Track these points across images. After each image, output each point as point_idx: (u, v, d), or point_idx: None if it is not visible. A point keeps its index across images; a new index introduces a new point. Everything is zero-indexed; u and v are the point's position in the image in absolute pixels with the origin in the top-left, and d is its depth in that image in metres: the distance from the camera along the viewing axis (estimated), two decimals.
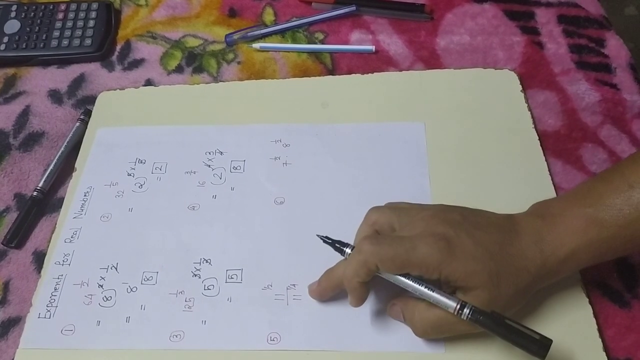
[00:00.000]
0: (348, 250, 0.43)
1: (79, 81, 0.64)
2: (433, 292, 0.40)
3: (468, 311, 0.39)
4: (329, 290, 0.45)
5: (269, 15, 0.68)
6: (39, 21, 0.66)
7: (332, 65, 0.63)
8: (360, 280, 0.41)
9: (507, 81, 0.59)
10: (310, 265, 0.47)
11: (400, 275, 0.41)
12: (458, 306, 0.39)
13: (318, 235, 0.45)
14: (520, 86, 0.58)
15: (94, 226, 0.52)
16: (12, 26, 0.66)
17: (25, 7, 0.68)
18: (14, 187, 0.56)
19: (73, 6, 0.68)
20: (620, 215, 0.40)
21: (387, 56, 0.63)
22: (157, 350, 0.45)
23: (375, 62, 0.63)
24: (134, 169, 0.55)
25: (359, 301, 0.43)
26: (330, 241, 0.44)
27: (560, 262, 0.41)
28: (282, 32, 0.66)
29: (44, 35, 0.65)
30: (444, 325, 0.41)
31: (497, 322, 0.39)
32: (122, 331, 0.46)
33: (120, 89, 0.62)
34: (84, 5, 0.68)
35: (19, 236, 0.52)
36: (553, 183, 0.52)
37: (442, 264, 0.39)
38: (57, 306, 0.47)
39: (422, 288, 0.41)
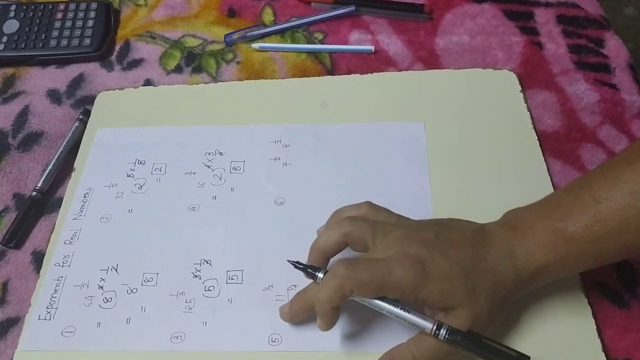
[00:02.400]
0: (320, 275, 0.42)
1: (78, 81, 0.64)
2: (409, 313, 0.40)
3: (445, 332, 0.39)
4: (302, 313, 0.44)
5: (268, 15, 0.68)
6: (38, 21, 0.66)
7: (332, 65, 0.63)
8: (333, 305, 0.40)
9: (507, 81, 0.59)
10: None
11: (375, 299, 0.40)
12: (434, 327, 0.39)
13: (289, 261, 0.44)
14: (520, 86, 0.58)
15: (93, 227, 0.52)
16: (11, 26, 0.66)
17: (24, 7, 0.67)
18: (13, 187, 0.56)
19: (72, 6, 0.67)
20: (588, 231, 0.40)
21: (386, 56, 0.63)
22: (158, 352, 0.45)
23: (375, 62, 0.63)
24: (133, 170, 0.55)
25: (329, 326, 0.41)
26: (301, 267, 0.43)
27: (531, 275, 0.41)
28: (281, 32, 0.66)
29: (43, 35, 0.65)
30: (441, 353, 0.40)
31: (474, 341, 0.39)
32: (122, 333, 0.46)
33: (119, 89, 0.62)
34: (83, 5, 0.67)
35: (17, 236, 0.52)
36: (552, 183, 0.52)
37: (417, 287, 0.39)
38: (57, 308, 0.47)
39: (397, 310, 0.40)
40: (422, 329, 0.40)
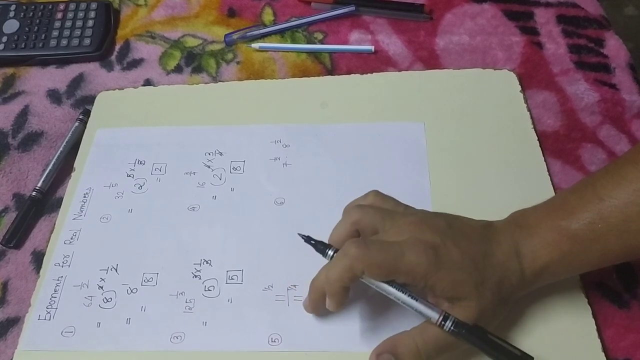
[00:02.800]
0: (330, 253, 0.42)
1: (77, 81, 0.64)
2: (417, 301, 0.40)
3: (450, 323, 0.39)
4: (321, 301, 0.43)
5: (268, 15, 0.68)
6: (37, 21, 0.66)
7: (332, 66, 0.63)
8: (343, 285, 0.40)
9: (506, 81, 0.59)
10: (311, 265, 0.46)
11: (384, 282, 0.40)
12: (441, 317, 0.39)
13: (300, 234, 0.44)
14: (520, 86, 0.58)
15: (93, 227, 0.52)
16: (11, 26, 0.66)
17: (24, 7, 0.67)
18: (13, 187, 0.56)
19: (72, 6, 0.67)
20: (591, 229, 0.40)
21: (386, 56, 0.63)
22: (158, 352, 0.45)
23: (375, 62, 0.63)
24: (133, 170, 0.55)
25: (339, 305, 0.42)
26: (313, 242, 0.43)
27: (535, 274, 0.41)
28: (281, 32, 0.66)
29: (43, 35, 0.65)
30: (445, 345, 0.40)
31: (479, 336, 0.39)
32: (122, 333, 0.46)
33: (119, 89, 0.62)
34: (83, 5, 0.67)
35: (17, 236, 0.52)
36: (552, 183, 0.52)
37: (428, 273, 0.39)
38: (57, 308, 0.47)
39: (405, 297, 0.40)
40: (428, 318, 0.40)
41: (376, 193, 0.46)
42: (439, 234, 0.41)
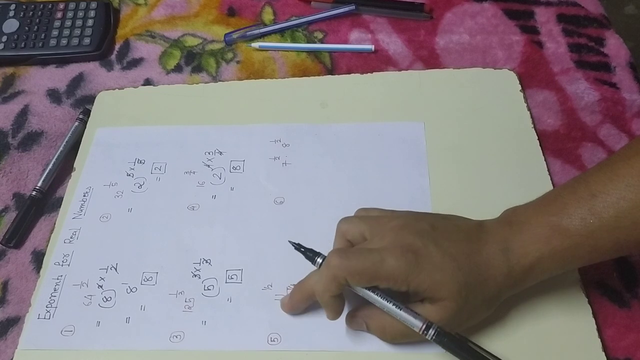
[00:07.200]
0: (319, 260, 0.43)
1: (77, 80, 0.64)
2: (400, 310, 0.40)
3: (433, 332, 0.39)
4: (301, 303, 0.45)
5: (268, 15, 0.68)
6: (37, 20, 0.66)
7: (332, 65, 0.63)
8: (331, 295, 0.41)
9: (507, 81, 0.59)
10: (310, 265, 0.47)
11: (369, 289, 0.41)
12: (424, 326, 0.40)
13: (290, 242, 0.45)
14: (520, 86, 0.58)
15: (93, 226, 0.52)
16: (11, 25, 0.66)
17: (24, 6, 0.67)
18: (13, 186, 0.56)
19: (72, 5, 0.67)
20: (583, 224, 0.40)
21: (386, 56, 0.63)
22: (157, 351, 0.45)
23: (375, 61, 0.63)
24: (133, 169, 0.55)
25: (335, 314, 0.43)
26: (302, 249, 0.44)
27: (525, 270, 0.41)
28: (281, 32, 0.66)
29: (43, 35, 0.65)
30: (413, 334, 0.41)
31: (460, 346, 0.39)
32: (122, 332, 0.46)
33: (119, 89, 0.62)
34: (82, 5, 0.67)
35: (17, 236, 0.52)
36: (552, 183, 0.52)
37: (409, 276, 0.39)
38: (56, 307, 0.47)
39: (390, 305, 0.41)
40: (412, 326, 0.40)
41: (360, 209, 0.48)
42: (419, 237, 0.41)
